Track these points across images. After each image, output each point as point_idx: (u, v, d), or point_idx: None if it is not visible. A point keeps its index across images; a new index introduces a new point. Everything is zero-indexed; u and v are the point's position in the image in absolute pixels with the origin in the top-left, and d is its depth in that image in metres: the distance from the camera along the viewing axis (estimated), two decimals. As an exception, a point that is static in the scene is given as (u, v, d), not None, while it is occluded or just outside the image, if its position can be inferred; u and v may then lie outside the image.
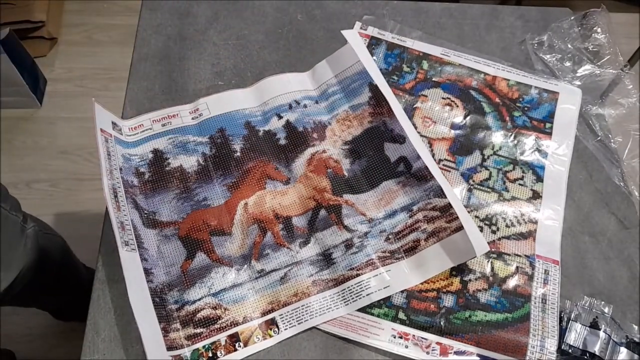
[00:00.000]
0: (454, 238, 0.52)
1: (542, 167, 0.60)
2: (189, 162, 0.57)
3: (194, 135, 0.59)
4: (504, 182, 0.59)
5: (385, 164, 0.58)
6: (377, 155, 0.59)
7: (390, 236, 0.54)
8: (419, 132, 0.61)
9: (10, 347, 1.10)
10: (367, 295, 0.51)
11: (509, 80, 0.67)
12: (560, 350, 0.50)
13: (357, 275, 0.52)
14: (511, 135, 0.62)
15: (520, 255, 0.55)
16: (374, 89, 0.62)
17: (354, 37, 0.64)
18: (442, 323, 0.51)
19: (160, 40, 0.68)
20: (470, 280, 0.53)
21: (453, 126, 0.63)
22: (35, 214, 0.83)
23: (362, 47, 0.64)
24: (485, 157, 0.61)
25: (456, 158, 0.60)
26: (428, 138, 0.62)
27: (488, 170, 0.60)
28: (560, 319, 0.51)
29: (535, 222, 0.57)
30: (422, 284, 0.52)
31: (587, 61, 0.69)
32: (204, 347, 0.48)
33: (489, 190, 0.59)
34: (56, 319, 1.13)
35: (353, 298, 0.51)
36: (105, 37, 1.64)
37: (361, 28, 0.70)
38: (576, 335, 0.50)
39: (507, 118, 0.64)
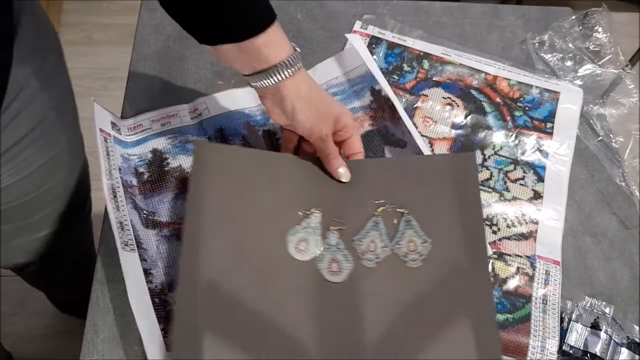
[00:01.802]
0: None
1: (543, 167, 0.60)
2: (189, 162, 0.57)
3: (193, 135, 0.59)
4: (505, 182, 0.59)
5: (385, 164, 0.58)
6: (377, 158, 0.59)
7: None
8: (419, 132, 0.61)
9: (10, 347, 1.10)
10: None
11: (509, 79, 0.66)
12: (561, 351, 0.49)
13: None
14: (512, 135, 0.62)
15: (521, 256, 0.54)
16: (376, 94, 0.62)
17: (358, 41, 0.64)
18: (443, 324, 0.51)
19: (160, 39, 0.68)
20: (471, 280, 0.53)
21: (454, 126, 0.62)
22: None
23: (366, 51, 0.64)
24: (486, 157, 0.61)
25: (457, 158, 0.60)
26: (429, 138, 0.61)
27: (489, 170, 0.60)
28: (561, 320, 0.51)
29: (536, 223, 0.57)
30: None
31: (588, 61, 0.69)
32: (203, 347, 0.48)
33: (489, 190, 0.58)
34: (61, 312, 1.13)
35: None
36: (105, 37, 1.64)
37: (361, 27, 0.70)
38: (577, 335, 0.50)
39: (508, 118, 0.63)
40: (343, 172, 0.52)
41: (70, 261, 0.87)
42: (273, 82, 0.46)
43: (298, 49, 0.47)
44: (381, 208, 0.52)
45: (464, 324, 0.47)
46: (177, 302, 0.45)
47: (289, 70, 0.46)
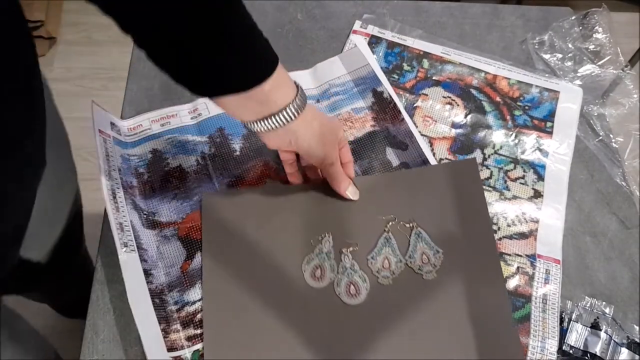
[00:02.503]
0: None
1: (543, 166, 0.60)
2: (188, 162, 0.57)
3: (193, 135, 0.59)
4: (505, 181, 0.59)
5: (386, 167, 0.58)
6: (378, 158, 0.59)
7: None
8: (419, 132, 0.61)
9: (10, 347, 1.10)
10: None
11: (509, 79, 0.66)
12: (561, 351, 0.49)
13: (358, 275, 0.52)
14: (512, 134, 0.62)
15: (521, 255, 0.54)
16: (378, 95, 0.62)
17: (362, 42, 0.64)
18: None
19: (160, 39, 0.68)
20: (471, 280, 0.53)
21: (454, 125, 0.62)
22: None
23: (370, 53, 0.64)
24: (486, 156, 0.61)
25: (457, 157, 0.60)
26: (429, 137, 0.61)
27: (489, 169, 0.60)
28: (561, 320, 0.51)
29: (537, 222, 0.57)
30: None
31: (588, 61, 0.69)
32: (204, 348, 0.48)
33: (490, 189, 0.58)
34: (63, 315, 1.13)
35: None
36: (105, 37, 1.63)
37: (361, 27, 0.70)
38: (577, 335, 0.50)
39: (508, 117, 0.63)
40: (353, 192, 0.52)
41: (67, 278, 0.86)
42: (284, 124, 0.43)
43: (299, 85, 0.45)
44: (390, 223, 0.52)
45: (485, 331, 0.47)
46: (205, 341, 0.47)
47: (299, 110, 0.43)
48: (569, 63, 0.69)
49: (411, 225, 0.52)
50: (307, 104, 0.45)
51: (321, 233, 0.52)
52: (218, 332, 0.47)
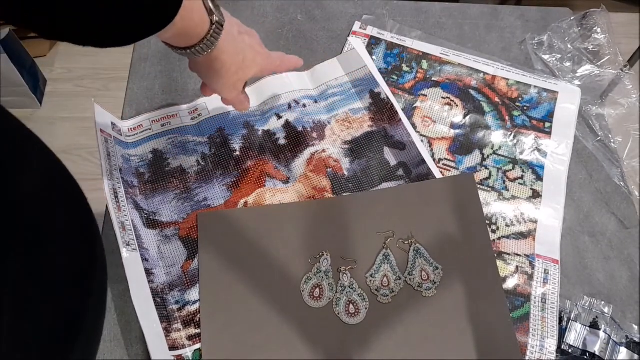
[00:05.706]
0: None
1: (542, 167, 0.61)
2: (189, 162, 0.57)
3: (193, 135, 0.59)
4: (504, 182, 0.59)
5: (384, 166, 0.58)
6: (376, 157, 0.59)
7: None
8: (418, 132, 0.61)
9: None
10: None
11: (508, 79, 0.67)
12: (560, 350, 0.50)
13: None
14: (511, 134, 0.62)
15: (520, 255, 0.55)
16: (375, 97, 0.62)
17: (359, 44, 0.65)
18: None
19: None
20: (470, 280, 0.53)
21: (453, 126, 0.63)
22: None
23: (367, 55, 0.64)
24: (485, 156, 0.61)
25: (456, 157, 0.60)
26: (428, 137, 0.62)
27: (488, 169, 0.60)
28: (560, 319, 0.51)
29: (535, 222, 0.57)
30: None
31: (587, 61, 0.69)
32: (204, 347, 0.48)
33: (488, 189, 0.59)
34: None
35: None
36: (105, 37, 1.64)
37: (360, 28, 0.70)
38: (576, 335, 0.50)
39: (507, 117, 0.64)
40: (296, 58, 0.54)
41: None
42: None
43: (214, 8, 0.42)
44: (389, 239, 0.52)
45: (487, 350, 0.47)
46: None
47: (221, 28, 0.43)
48: (568, 63, 0.69)
49: (410, 241, 0.52)
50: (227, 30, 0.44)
51: (319, 252, 0.51)
52: (217, 352, 0.47)
